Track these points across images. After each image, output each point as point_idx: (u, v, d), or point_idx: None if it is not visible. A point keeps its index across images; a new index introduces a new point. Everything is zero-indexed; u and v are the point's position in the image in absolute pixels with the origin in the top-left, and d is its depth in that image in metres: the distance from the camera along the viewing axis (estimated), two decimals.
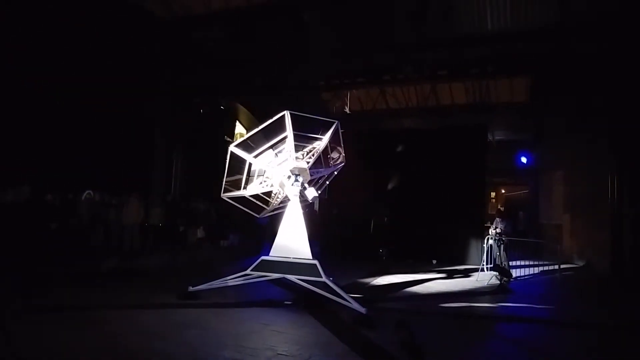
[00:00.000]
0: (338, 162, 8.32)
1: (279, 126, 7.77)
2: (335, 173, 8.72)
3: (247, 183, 8.32)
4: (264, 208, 8.60)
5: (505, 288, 9.78)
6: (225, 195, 8.38)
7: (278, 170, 7.97)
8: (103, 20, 12.60)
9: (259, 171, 8.28)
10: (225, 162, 8.16)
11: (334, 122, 7.79)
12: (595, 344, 6.22)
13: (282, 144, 7.87)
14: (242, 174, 8.20)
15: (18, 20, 11.09)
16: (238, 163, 8.14)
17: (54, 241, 10.69)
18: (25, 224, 10.18)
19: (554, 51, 12.98)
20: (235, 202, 8.55)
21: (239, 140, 8.47)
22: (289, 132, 7.66)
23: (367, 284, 10.08)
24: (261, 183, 8.29)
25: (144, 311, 6.65)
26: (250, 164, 8.16)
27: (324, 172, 8.31)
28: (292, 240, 7.64)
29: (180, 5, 13.95)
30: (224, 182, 8.31)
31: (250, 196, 8.41)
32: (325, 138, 7.68)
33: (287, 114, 7.68)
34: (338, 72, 16.55)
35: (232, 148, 8.13)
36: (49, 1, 11.47)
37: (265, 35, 13.99)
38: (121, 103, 14.00)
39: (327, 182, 8.98)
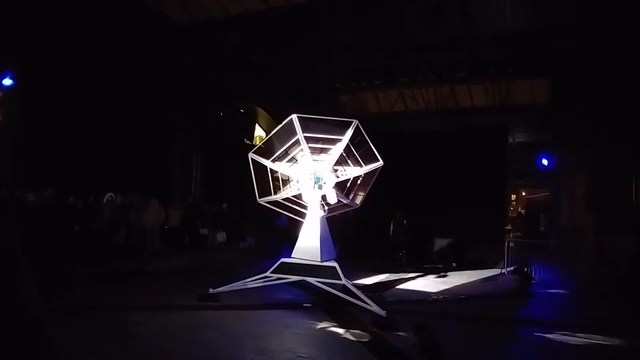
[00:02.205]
0: (372, 164, 8.06)
1: (293, 130, 7.79)
2: (374, 177, 8.27)
3: (276, 188, 8.40)
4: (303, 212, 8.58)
5: (526, 291, 9.63)
6: (262, 200, 8.47)
7: (299, 173, 8.02)
8: (124, 27, 12.84)
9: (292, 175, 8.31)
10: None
11: (352, 122, 7.71)
12: (615, 349, 6.09)
13: (298, 147, 7.88)
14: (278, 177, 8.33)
15: (48, 27, 11.35)
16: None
17: (77, 243, 10.91)
18: (50, 225, 10.41)
19: (574, 51, 12.79)
20: (274, 206, 8.67)
21: (257, 146, 8.55)
22: (299, 135, 7.67)
23: (386, 286, 10.02)
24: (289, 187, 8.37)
25: (165, 313, 6.73)
26: (271, 169, 8.24)
27: (354, 174, 8.12)
28: (314, 242, 7.66)
29: (199, 10, 14.15)
30: (255, 187, 8.36)
31: (286, 200, 8.46)
32: (345, 138, 7.61)
33: (294, 117, 7.68)
34: (356, 74, 16.58)
35: (251, 155, 8.22)
36: (72, 10, 11.73)
37: (284, 39, 14.08)
38: (142, 107, 14.24)
39: (368, 187, 8.42)
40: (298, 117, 7.70)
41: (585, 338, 6.64)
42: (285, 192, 8.33)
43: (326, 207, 8.44)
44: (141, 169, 13.91)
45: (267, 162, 8.20)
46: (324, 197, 7.87)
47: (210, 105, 17.36)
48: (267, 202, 8.59)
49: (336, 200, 7.95)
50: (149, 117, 14.67)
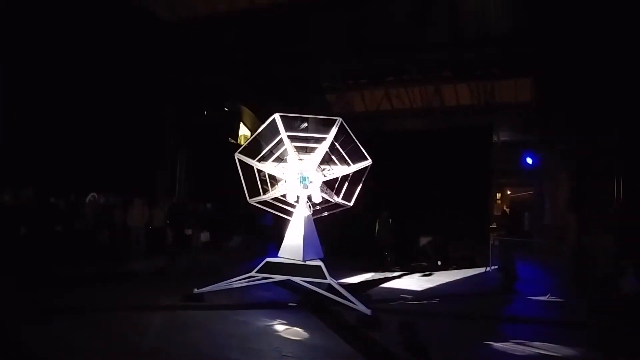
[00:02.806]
0: (359, 162, 8.03)
1: (277, 129, 7.77)
2: (363, 176, 8.21)
3: (264, 188, 8.37)
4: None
5: (510, 289, 9.73)
6: (252, 201, 8.46)
7: (285, 173, 7.99)
8: (107, 23, 12.65)
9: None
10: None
11: (336, 120, 7.68)
12: (596, 342, 6.19)
13: (283, 146, 7.86)
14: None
15: (26, 23, 11.14)
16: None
17: (59, 243, 10.74)
18: (30, 226, 10.22)
19: (557, 51, 12.95)
20: (264, 206, 8.64)
21: (243, 146, 8.51)
22: (282, 134, 7.67)
23: (372, 285, 10.05)
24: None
25: (150, 313, 6.65)
26: (259, 170, 8.20)
27: (341, 173, 8.04)
28: (298, 241, 7.63)
29: (184, 7, 14.00)
30: (244, 187, 8.33)
31: (275, 199, 8.43)
32: (329, 136, 7.59)
33: (277, 116, 7.69)
34: (342, 73, 16.58)
35: (237, 155, 8.18)
36: (56, 7, 11.52)
37: (269, 38, 14.01)
38: (125, 106, 14.05)
39: (358, 186, 8.31)
40: (281, 116, 7.69)
41: (564, 335, 6.75)
42: (274, 192, 8.29)
43: (316, 207, 8.44)
44: (125, 169, 13.72)
45: (253, 162, 8.17)
46: (310, 197, 7.84)
47: (195, 104, 17.20)
48: (257, 202, 8.57)
49: (321, 200, 7.92)
50: (132, 116, 14.48)
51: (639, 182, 11.03)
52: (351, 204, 8.30)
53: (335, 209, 8.61)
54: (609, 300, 8.76)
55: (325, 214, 8.72)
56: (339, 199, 8.22)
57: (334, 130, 7.55)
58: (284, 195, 8.19)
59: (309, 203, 7.98)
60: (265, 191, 8.36)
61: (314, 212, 8.54)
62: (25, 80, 11.46)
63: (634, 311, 7.93)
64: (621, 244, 10.57)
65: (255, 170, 8.25)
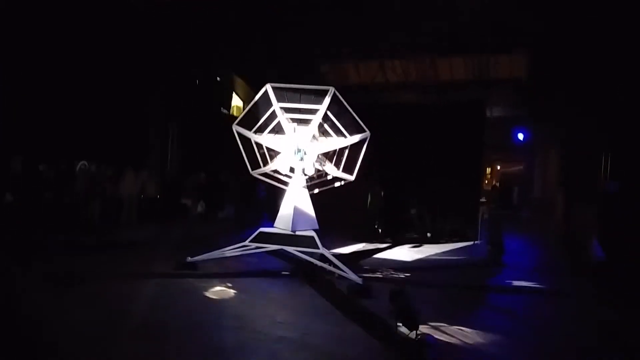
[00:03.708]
0: (357, 133, 8.00)
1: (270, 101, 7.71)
2: (363, 148, 8.06)
3: (264, 159, 8.35)
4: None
5: (498, 261, 9.95)
6: (255, 173, 8.49)
7: (280, 144, 7.98)
8: None
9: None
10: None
11: (328, 89, 7.59)
12: (576, 312, 6.42)
13: (276, 117, 7.81)
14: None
15: None
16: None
17: (50, 213, 10.67)
18: (19, 194, 10.12)
19: (553, 28, 12.86)
20: (266, 177, 8.67)
21: (239, 118, 8.46)
22: (274, 105, 7.62)
23: (363, 255, 10.22)
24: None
25: (143, 281, 6.70)
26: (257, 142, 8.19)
27: (338, 144, 7.93)
28: (289, 212, 7.69)
29: None
30: (245, 159, 8.39)
31: (275, 171, 8.44)
32: (322, 107, 7.53)
33: (268, 87, 7.63)
34: (337, 44, 16.36)
35: (234, 127, 8.15)
36: None
37: (263, 6, 13.71)
38: (117, 76, 13.80)
39: (359, 159, 8.12)
40: (272, 87, 7.62)
41: (547, 303, 6.97)
42: (273, 164, 8.29)
43: (316, 180, 8.48)
44: (116, 139, 13.57)
45: (250, 134, 8.14)
46: (303, 170, 7.84)
47: (186, 75, 16.93)
48: (259, 174, 8.59)
49: (313, 172, 7.94)
50: (124, 86, 14.24)
51: (625, 159, 11.17)
52: (353, 177, 8.17)
53: (336, 182, 8.57)
54: (585, 269, 8.97)
55: (328, 187, 8.69)
56: (339, 172, 8.16)
57: (327, 100, 7.49)
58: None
59: (306, 175, 7.99)
60: (265, 163, 8.37)
61: (316, 185, 8.58)
62: (16, 49, 11.17)
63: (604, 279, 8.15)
64: (603, 217, 10.74)
65: (253, 142, 8.24)
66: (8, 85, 11.16)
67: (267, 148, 8.25)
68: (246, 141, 8.29)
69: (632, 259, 7.80)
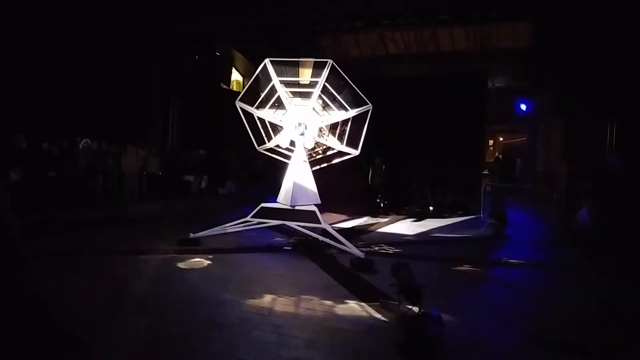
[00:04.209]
0: (359, 106, 7.73)
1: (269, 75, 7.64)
2: (366, 121, 7.92)
3: (267, 134, 8.38)
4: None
5: (502, 234, 9.96)
6: (261, 148, 8.58)
7: (281, 119, 7.94)
8: None
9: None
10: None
11: (327, 62, 7.47)
12: (573, 283, 6.47)
13: (277, 92, 7.74)
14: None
15: None
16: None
17: (53, 189, 10.72)
18: (24, 171, 10.16)
19: None
20: (272, 153, 8.72)
21: (241, 94, 8.40)
22: (274, 79, 7.56)
23: (365, 230, 10.26)
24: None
25: (146, 257, 6.77)
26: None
27: (339, 117, 7.82)
28: (303, 188, 7.68)
29: None
30: (251, 134, 8.44)
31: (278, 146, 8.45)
32: (321, 79, 7.41)
33: (267, 62, 7.57)
34: (336, 16, 16.03)
35: (237, 103, 8.15)
36: None
37: None
38: (117, 53, 13.64)
39: (362, 132, 7.99)
40: (271, 61, 7.54)
41: (551, 276, 7.01)
42: (276, 139, 8.25)
43: (320, 155, 8.45)
44: (118, 115, 13.52)
45: (252, 110, 8.12)
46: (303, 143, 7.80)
47: (186, 50, 16.69)
48: (265, 150, 8.62)
49: (312, 145, 7.90)
50: (124, 63, 14.09)
51: (629, 130, 11.05)
52: (358, 151, 8.08)
53: (341, 156, 8.50)
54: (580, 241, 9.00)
55: (335, 161, 8.65)
56: (344, 147, 8.09)
57: (325, 73, 7.38)
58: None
59: (306, 149, 7.95)
60: (269, 138, 8.36)
61: (322, 160, 8.54)
62: (18, 30, 10.99)
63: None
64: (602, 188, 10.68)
65: (256, 118, 8.21)
66: (10, 64, 11.00)
67: (269, 123, 8.23)
68: (250, 117, 8.26)
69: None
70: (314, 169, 8.41)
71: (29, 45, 11.36)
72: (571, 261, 7.87)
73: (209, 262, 6.69)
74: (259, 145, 8.56)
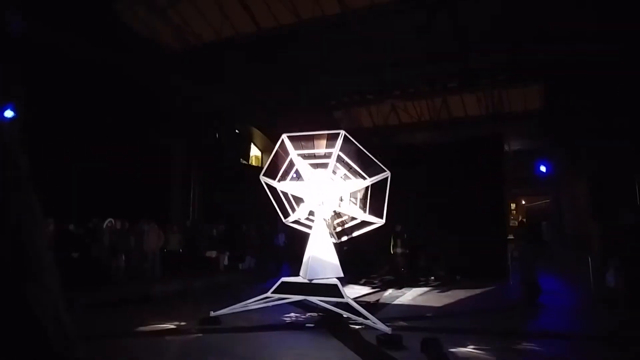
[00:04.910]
0: (374, 174, 7.71)
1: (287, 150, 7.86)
2: (386, 189, 7.88)
3: (292, 207, 8.47)
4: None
5: (535, 302, 9.43)
6: (287, 221, 8.61)
7: (301, 191, 8.01)
8: (118, 55, 12.88)
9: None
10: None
11: (339, 133, 7.63)
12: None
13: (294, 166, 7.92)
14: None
15: (46, 59, 11.34)
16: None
17: (77, 270, 10.75)
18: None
19: (567, 56, 12.85)
20: (299, 225, 8.66)
21: (264, 169, 8.64)
22: (292, 154, 7.73)
23: (390, 302, 9.87)
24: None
25: (168, 337, 6.59)
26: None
27: (357, 186, 7.84)
28: (321, 260, 7.55)
29: (191, 35, 14.26)
30: (277, 208, 8.53)
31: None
32: (335, 150, 7.54)
33: (284, 137, 7.78)
34: (348, 90, 16.67)
35: (262, 178, 8.34)
36: (68, 41, 11.80)
37: (276, 59, 14.15)
38: (139, 132, 14.24)
39: (385, 201, 7.92)
40: (288, 136, 7.75)
41: (592, 348, 6.51)
42: (298, 211, 8.28)
43: (344, 226, 8.40)
44: (139, 194, 13.84)
45: (275, 183, 8.24)
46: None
47: (206, 128, 17.39)
48: (293, 223, 8.65)
49: (329, 215, 7.90)
50: (147, 143, 14.68)
51: None
52: (383, 220, 7.95)
53: (367, 226, 8.33)
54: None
55: (362, 231, 8.47)
56: (368, 216, 8.02)
57: (338, 143, 7.50)
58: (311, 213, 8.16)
59: (325, 220, 7.92)
60: (293, 211, 8.41)
61: (348, 231, 8.47)
62: (46, 113, 11.66)
63: None
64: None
65: (279, 191, 8.32)
66: (40, 152, 11.53)
67: (292, 196, 8.32)
68: (274, 191, 8.38)
69: None
70: (342, 240, 8.32)
71: (55, 132, 11.93)
72: (613, 330, 7.34)
73: (231, 342, 6.44)
74: (285, 218, 8.56)
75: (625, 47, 11.40)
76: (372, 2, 12.38)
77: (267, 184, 8.39)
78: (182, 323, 7.40)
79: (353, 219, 8.31)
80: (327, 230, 7.99)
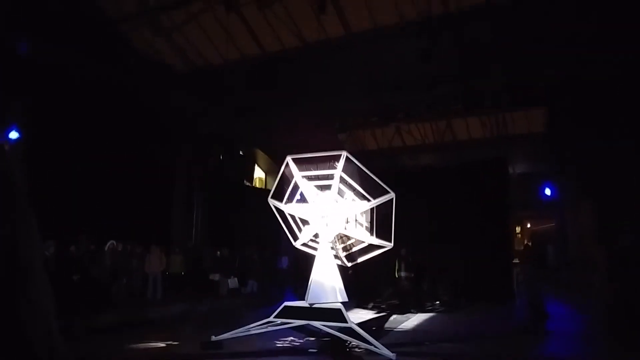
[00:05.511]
0: (379, 196, 7.59)
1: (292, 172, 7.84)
2: (392, 211, 7.75)
3: (300, 230, 8.35)
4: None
5: (542, 328, 9.25)
6: (297, 244, 8.48)
7: (306, 213, 7.97)
8: (123, 76, 13.06)
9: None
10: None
11: (341, 154, 7.62)
12: None
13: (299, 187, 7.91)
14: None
15: (49, 79, 11.48)
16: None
17: (77, 293, 10.64)
18: (51, 277, 10.17)
19: (570, 78, 12.93)
20: (308, 248, 8.55)
21: (272, 191, 8.55)
22: (296, 176, 7.71)
23: (395, 327, 9.70)
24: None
25: None
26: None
27: (362, 208, 7.74)
28: (325, 284, 7.45)
29: (197, 57, 14.47)
30: (287, 231, 8.45)
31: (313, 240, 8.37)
32: (337, 171, 7.53)
33: (289, 159, 7.81)
34: (351, 113, 16.79)
35: (270, 201, 8.29)
36: (72, 61, 11.97)
37: (280, 82, 14.31)
38: (141, 153, 14.29)
39: (391, 223, 7.79)
40: (293, 158, 7.76)
41: None
42: (305, 234, 8.20)
43: (351, 250, 8.31)
44: (141, 216, 13.80)
45: (282, 206, 8.20)
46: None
47: (209, 149, 17.46)
48: (302, 245, 8.51)
49: (332, 238, 7.83)
50: (149, 164, 14.71)
51: None
52: (391, 244, 7.84)
53: (376, 250, 8.16)
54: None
55: (370, 255, 8.31)
56: (376, 239, 7.89)
57: (340, 164, 7.49)
58: (316, 236, 8.08)
59: (333, 242, 7.87)
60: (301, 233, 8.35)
61: (356, 255, 8.37)
62: (46, 133, 11.73)
63: None
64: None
65: (287, 214, 8.28)
66: (43, 174, 11.57)
67: (300, 218, 8.26)
68: (283, 214, 8.34)
69: None
70: (351, 264, 8.22)
71: (57, 153, 11.98)
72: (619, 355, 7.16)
73: None
74: (294, 241, 8.49)
75: (629, 69, 11.46)
76: (376, 25, 12.56)
77: (276, 208, 8.36)
78: (183, 347, 7.27)
79: (360, 242, 8.22)
80: (333, 254, 7.92)
